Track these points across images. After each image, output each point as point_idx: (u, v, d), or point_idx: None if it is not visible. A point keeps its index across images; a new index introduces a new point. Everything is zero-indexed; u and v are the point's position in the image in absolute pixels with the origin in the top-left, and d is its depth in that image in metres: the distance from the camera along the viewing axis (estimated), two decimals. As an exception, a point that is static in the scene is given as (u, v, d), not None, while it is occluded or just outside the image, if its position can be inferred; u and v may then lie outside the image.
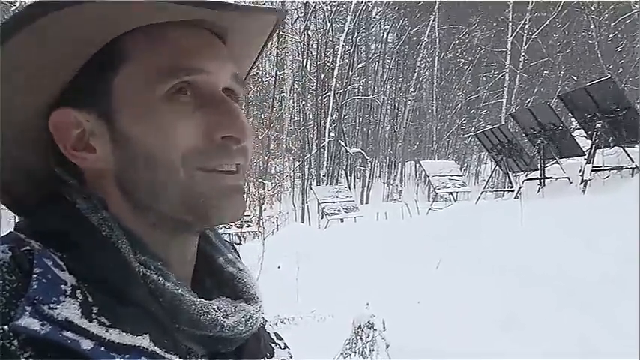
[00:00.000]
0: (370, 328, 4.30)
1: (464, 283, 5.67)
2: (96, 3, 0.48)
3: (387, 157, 34.60)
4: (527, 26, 28.43)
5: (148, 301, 0.50)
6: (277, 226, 19.25)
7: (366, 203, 27.35)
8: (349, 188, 23.70)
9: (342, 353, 4.35)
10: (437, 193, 17.91)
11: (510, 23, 28.13)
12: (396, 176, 32.63)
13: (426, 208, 17.02)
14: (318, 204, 17.29)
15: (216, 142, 0.53)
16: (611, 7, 27.32)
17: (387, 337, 4.33)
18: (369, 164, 32.39)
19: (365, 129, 34.12)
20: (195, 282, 0.59)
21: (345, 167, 30.08)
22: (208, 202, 0.53)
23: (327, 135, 26.61)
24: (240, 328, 0.55)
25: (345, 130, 30.43)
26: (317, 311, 5.33)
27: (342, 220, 16.04)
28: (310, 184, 25.92)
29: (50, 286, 0.46)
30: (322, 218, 17.32)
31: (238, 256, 0.65)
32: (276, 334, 0.68)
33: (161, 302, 0.50)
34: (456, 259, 6.43)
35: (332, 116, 26.91)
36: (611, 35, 28.26)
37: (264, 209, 18.61)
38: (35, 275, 0.46)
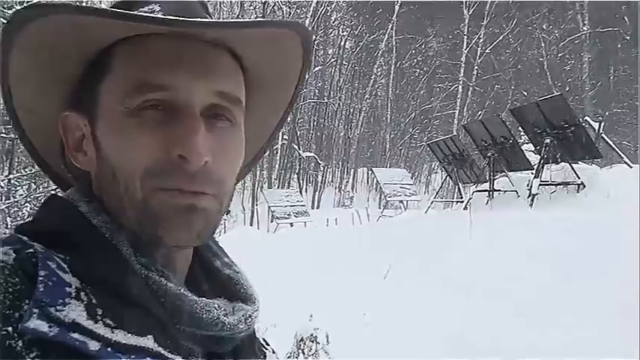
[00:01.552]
0: (313, 342, 4.11)
1: (411, 294, 5.57)
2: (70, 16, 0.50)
3: (340, 163, 34.64)
4: (481, 41, 29.08)
5: (151, 301, 0.50)
6: (225, 228, 18.86)
7: (317, 208, 27.25)
8: (300, 192, 23.53)
9: (282, 367, 4.14)
10: (387, 201, 17.97)
11: (465, 37, 28.69)
12: (347, 182, 32.63)
13: (377, 215, 17.05)
14: (268, 207, 17.02)
15: (172, 160, 0.52)
16: (561, 26, 28.30)
17: (331, 351, 4.15)
18: (322, 169, 32.34)
19: (319, 133, 34.06)
20: (192, 285, 0.58)
21: (297, 171, 29.87)
22: (160, 222, 0.52)
23: (280, 137, 26.36)
24: (241, 327, 0.56)
25: (298, 133, 30.23)
26: (258, 320, 5.10)
27: (291, 225, 15.83)
28: (262, 187, 25.58)
29: (56, 288, 0.46)
30: (272, 222, 17.05)
31: (232, 260, 0.66)
32: (264, 339, 0.69)
33: (163, 303, 0.51)
34: (404, 269, 6.34)
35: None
36: (560, 54, 29.24)
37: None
38: (41, 278, 0.46)
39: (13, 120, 0.59)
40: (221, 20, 0.55)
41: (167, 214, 0.52)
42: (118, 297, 0.49)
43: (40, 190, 8.95)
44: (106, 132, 0.54)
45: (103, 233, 0.52)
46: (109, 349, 0.45)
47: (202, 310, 0.53)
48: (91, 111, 0.55)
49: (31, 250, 0.49)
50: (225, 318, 0.55)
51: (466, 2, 28.16)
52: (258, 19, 0.61)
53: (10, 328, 0.44)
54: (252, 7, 29.44)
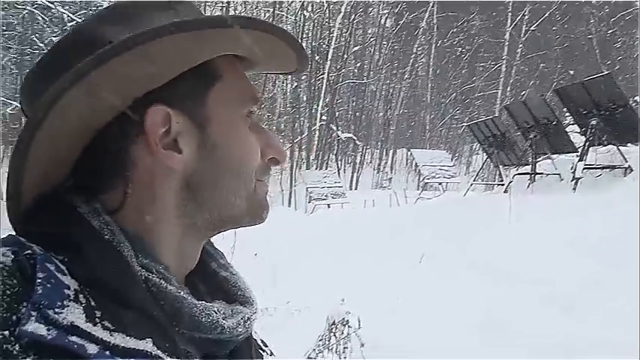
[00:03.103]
0: (345, 325, 4.10)
1: (446, 279, 5.49)
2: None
3: (379, 144, 34.32)
4: (526, 18, 28.10)
5: (150, 304, 0.50)
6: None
7: (355, 189, 27.18)
8: (338, 173, 23.50)
9: (314, 349, 4.16)
10: (426, 183, 17.76)
11: (510, 14, 27.77)
12: (386, 163, 32.38)
13: (415, 196, 16.88)
14: (306, 188, 17.07)
15: (264, 161, 0.62)
16: (612, 2, 27.05)
17: (362, 335, 4.14)
18: (360, 150, 32.15)
19: (358, 114, 33.76)
20: (189, 287, 0.58)
21: (335, 152, 29.76)
22: (263, 208, 0.62)
23: (318, 118, 26.28)
24: (240, 330, 0.57)
25: (337, 114, 30.06)
26: (292, 302, 5.13)
27: (328, 206, 15.85)
28: (300, 168, 25.66)
29: (54, 290, 0.46)
30: (309, 203, 17.12)
31: (228, 262, 0.67)
32: (262, 341, 0.70)
33: (162, 305, 0.51)
34: (440, 253, 6.26)
35: (325, 99, 26.55)
36: (610, 31, 28.01)
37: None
38: (39, 280, 0.46)
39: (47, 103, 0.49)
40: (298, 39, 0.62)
41: (265, 200, 0.62)
42: (117, 299, 0.49)
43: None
44: (227, 134, 0.58)
45: (104, 235, 0.51)
46: (107, 352, 0.45)
47: (202, 313, 0.53)
48: (195, 111, 0.57)
49: (30, 252, 0.48)
50: (224, 321, 0.55)
51: (511, -22, 27.23)
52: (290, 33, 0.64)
53: (6, 332, 0.43)
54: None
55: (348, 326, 4.08)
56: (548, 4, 27.82)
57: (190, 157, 0.56)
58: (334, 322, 4.10)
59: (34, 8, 15.57)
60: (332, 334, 4.09)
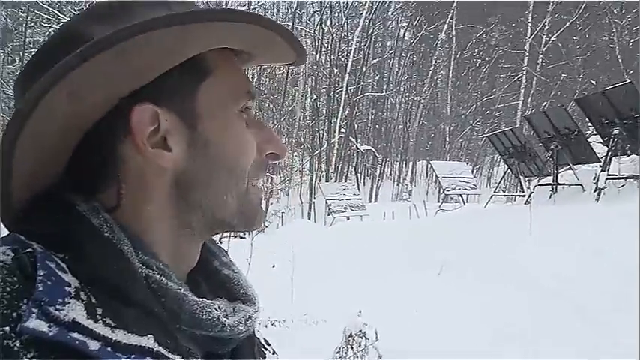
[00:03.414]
0: (362, 337, 4.07)
1: (465, 292, 5.42)
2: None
3: (399, 156, 34.21)
4: (546, 28, 27.85)
5: (151, 301, 0.50)
6: (282, 220, 19.04)
7: (375, 201, 27.07)
8: (358, 186, 23.45)
9: (331, 362, 4.13)
10: (446, 195, 17.62)
11: (529, 24, 27.56)
12: (406, 175, 32.25)
13: (435, 209, 16.75)
14: (325, 201, 17.06)
15: (262, 158, 0.60)
16: (634, 10, 26.70)
17: (380, 347, 4.10)
18: (380, 162, 32.06)
19: (377, 126, 33.74)
20: (191, 285, 0.57)
21: (355, 164, 29.75)
22: (255, 211, 0.60)
23: (337, 131, 26.31)
24: (241, 328, 0.57)
25: (356, 126, 30.05)
26: (309, 314, 5.10)
27: (348, 218, 15.79)
28: (319, 180, 25.68)
29: (55, 287, 0.46)
30: (329, 215, 17.09)
31: (231, 260, 0.66)
32: (265, 340, 0.69)
33: (163, 302, 0.51)
34: (459, 265, 6.19)
35: (344, 112, 26.59)
36: (632, 40, 27.61)
37: (271, 203, 18.38)
38: (40, 277, 0.46)
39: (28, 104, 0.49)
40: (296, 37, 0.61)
41: (258, 204, 0.61)
42: (118, 296, 0.48)
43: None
44: (218, 131, 0.56)
45: (103, 232, 0.51)
46: (109, 348, 0.45)
47: (202, 310, 0.53)
48: (184, 108, 0.55)
49: (30, 250, 0.48)
50: (225, 319, 0.55)
51: (530, -12, 27.06)
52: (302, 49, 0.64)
53: (7, 328, 0.43)
54: (310, 2, 29.52)
55: (366, 338, 4.04)
56: (569, 13, 27.57)
57: (181, 155, 0.55)
58: (351, 333, 4.07)
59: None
60: (349, 345, 4.06)
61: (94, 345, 0.45)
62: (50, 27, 14.65)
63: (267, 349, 0.68)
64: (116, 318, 0.47)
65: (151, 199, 0.55)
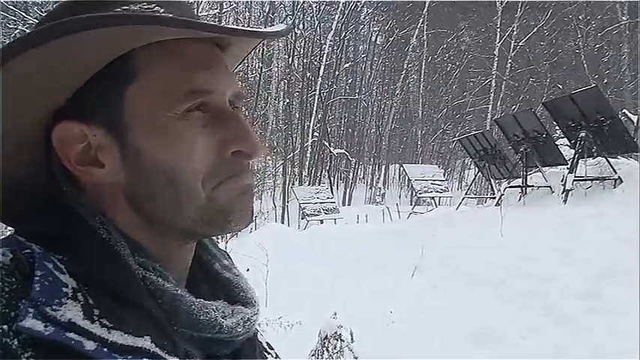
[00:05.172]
0: (337, 339, 4.07)
1: (438, 292, 5.48)
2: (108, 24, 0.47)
3: (372, 159, 34.42)
4: (514, 33, 28.41)
5: (148, 302, 0.50)
6: (256, 225, 18.94)
7: (349, 205, 27.18)
8: (331, 189, 23.48)
9: (306, 364, 4.12)
10: (419, 197, 17.79)
11: (499, 30, 28.08)
12: (379, 178, 32.45)
13: (408, 211, 16.89)
14: (299, 204, 17.04)
15: (227, 157, 0.54)
16: (599, 17, 27.44)
17: (356, 349, 4.11)
18: (353, 165, 32.20)
19: (350, 130, 33.91)
20: (191, 288, 0.57)
21: (328, 168, 29.82)
22: (229, 213, 0.54)
23: (310, 134, 26.34)
24: (239, 330, 0.56)
25: (329, 130, 30.15)
26: (284, 317, 5.09)
27: (321, 222, 15.81)
28: (292, 184, 25.65)
29: (52, 288, 0.46)
30: (302, 219, 17.07)
31: (233, 262, 0.65)
32: (268, 344, 0.68)
33: (160, 303, 0.50)
34: (432, 267, 6.25)
35: (317, 116, 26.65)
36: (597, 45, 28.36)
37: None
38: (37, 278, 0.46)
39: None
40: (273, 30, 0.57)
41: (233, 203, 0.54)
42: (115, 297, 0.48)
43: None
44: (147, 136, 0.52)
45: (101, 234, 0.51)
46: (105, 349, 0.45)
47: (200, 311, 0.53)
48: (108, 118, 0.52)
49: (28, 251, 0.49)
50: (223, 320, 0.54)
51: (499, -6, 27.57)
52: (275, 31, 0.60)
53: (5, 327, 0.43)
54: (282, 5, 29.52)
55: (341, 340, 4.05)
56: (536, 19, 28.18)
57: (114, 169, 0.53)
58: (327, 336, 4.07)
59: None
60: (325, 348, 4.06)
61: (89, 345, 0.45)
62: (16, 28, 14.31)
63: (269, 353, 0.67)
64: (113, 319, 0.47)
65: (116, 211, 0.54)
